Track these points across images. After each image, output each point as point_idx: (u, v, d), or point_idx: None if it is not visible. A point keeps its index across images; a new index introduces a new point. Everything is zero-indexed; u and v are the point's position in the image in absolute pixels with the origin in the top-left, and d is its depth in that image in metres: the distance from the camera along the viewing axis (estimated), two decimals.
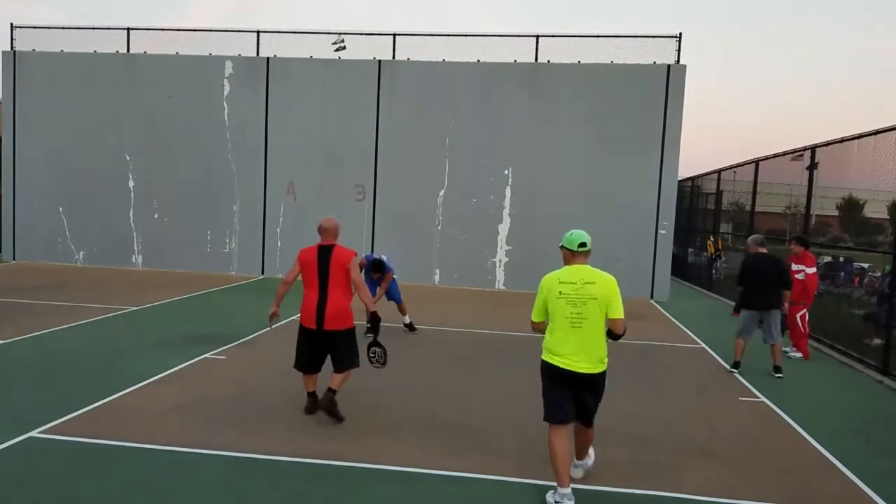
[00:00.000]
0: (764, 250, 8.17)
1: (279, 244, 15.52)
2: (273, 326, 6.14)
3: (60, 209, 15.86)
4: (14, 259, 16.08)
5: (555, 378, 4.28)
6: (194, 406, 5.91)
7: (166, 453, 4.82)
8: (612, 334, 4.30)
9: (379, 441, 5.25)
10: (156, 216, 15.73)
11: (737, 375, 7.89)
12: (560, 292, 4.23)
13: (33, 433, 5.05)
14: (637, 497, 4.44)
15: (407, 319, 9.69)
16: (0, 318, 9.48)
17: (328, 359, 5.70)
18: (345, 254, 5.56)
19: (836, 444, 5.58)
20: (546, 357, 4.32)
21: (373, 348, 5.84)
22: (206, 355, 7.73)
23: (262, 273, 15.55)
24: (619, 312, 4.21)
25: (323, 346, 5.62)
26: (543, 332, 4.40)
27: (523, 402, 6.17)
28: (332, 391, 5.54)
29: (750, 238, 8.52)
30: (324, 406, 5.54)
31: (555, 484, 4.25)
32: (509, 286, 14.72)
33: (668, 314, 12.48)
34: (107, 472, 4.52)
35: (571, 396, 4.30)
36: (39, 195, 15.83)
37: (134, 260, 15.79)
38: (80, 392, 5.78)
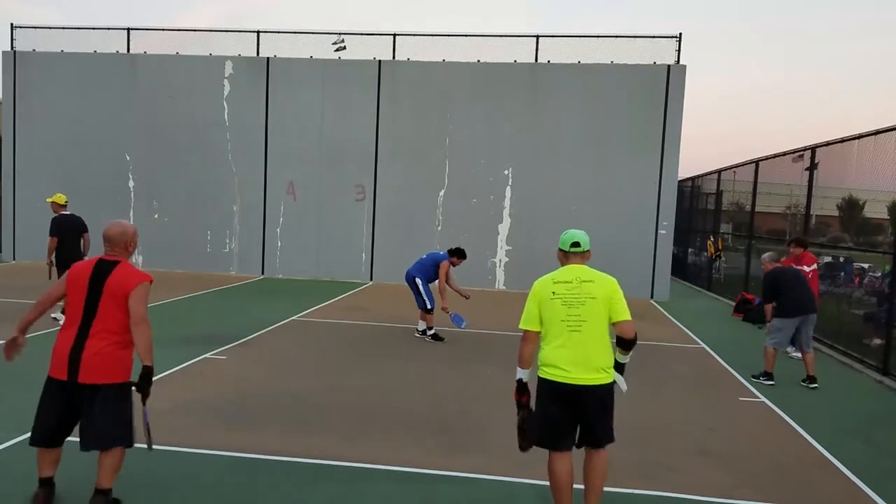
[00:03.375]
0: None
1: (279, 244, 15.52)
2: (12, 360, 4.27)
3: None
4: (14, 259, 16.09)
5: (553, 395, 3.69)
6: (194, 406, 5.90)
7: (166, 453, 4.82)
8: (623, 341, 3.77)
9: (379, 441, 5.25)
10: (156, 216, 15.74)
11: (736, 375, 7.89)
12: (553, 293, 3.73)
13: None
14: (637, 497, 4.43)
15: (422, 326, 9.39)
16: (0, 318, 9.48)
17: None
18: (131, 277, 3.86)
19: (836, 444, 5.58)
20: (542, 373, 3.75)
21: (146, 417, 3.99)
22: (206, 355, 7.73)
23: (262, 273, 15.56)
24: (625, 314, 3.72)
25: (75, 406, 3.81)
26: (526, 358, 3.80)
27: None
28: (102, 493, 3.81)
29: (767, 256, 8.25)
30: None
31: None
32: (509, 286, 14.72)
33: (668, 314, 12.48)
34: None
35: (572, 417, 3.71)
36: (39, 195, 15.79)
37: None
38: None
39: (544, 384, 3.75)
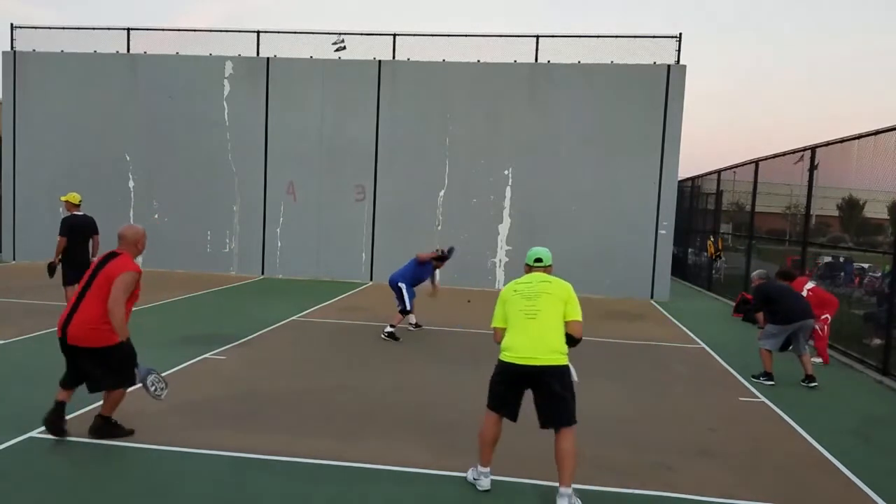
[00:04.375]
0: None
1: (279, 244, 15.52)
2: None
3: (61, 209, 15.78)
4: (14, 259, 16.09)
5: (507, 374, 4.27)
6: (194, 406, 5.90)
7: (166, 453, 4.82)
8: (572, 339, 4.32)
9: (379, 441, 5.25)
10: (156, 216, 15.74)
11: (736, 375, 7.89)
12: (515, 290, 4.41)
13: (33, 433, 5.04)
14: (637, 497, 4.44)
15: (412, 319, 9.86)
16: (0, 318, 9.48)
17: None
18: (121, 265, 4.82)
19: (836, 444, 5.58)
20: (502, 356, 4.31)
21: (149, 378, 4.88)
22: (206, 355, 7.73)
23: (262, 273, 15.56)
24: (577, 315, 4.32)
25: (75, 360, 4.87)
26: (500, 338, 4.42)
27: (523, 402, 6.16)
28: (101, 417, 4.98)
29: (756, 274, 8.58)
30: (91, 433, 4.94)
31: (556, 484, 4.24)
32: None
33: (668, 314, 12.48)
34: (107, 472, 4.52)
35: (514, 395, 4.32)
36: (39, 195, 15.82)
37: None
38: (80, 392, 5.77)
39: (500, 364, 4.35)
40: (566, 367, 4.22)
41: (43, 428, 5.03)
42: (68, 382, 4.97)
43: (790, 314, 7.68)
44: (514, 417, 4.36)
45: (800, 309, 7.74)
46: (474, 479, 4.47)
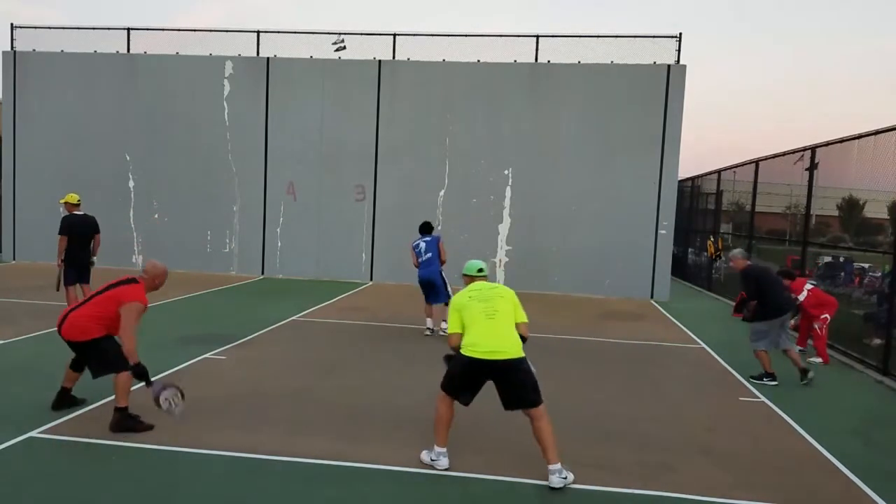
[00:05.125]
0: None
1: (279, 244, 15.53)
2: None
3: (61, 209, 15.81)
4: (14, 259, 16.09)
5: (472, 368, 4.59)
6: (194, 406, 5.90)
7: (166, 453, 4.82)
8: (521, 339, 4.75)
9: (379, 441, 5.25)
10: (156, 216, 15.74)
11: (736, 375, 7.89)
12: (470, 297, 4.81)
13: (33, 433, 5.05)
14: (637, 497, 4.44)
15: (429, 323, 9.61)
16: (0, 318, 9.48)
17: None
18: (132, 293, 5.25)
19: (836, 444, 5.58)
20: (465, 350, 4.61)
21: (163, 394, 5.10)
22: (206, 355, 7.73)
23: (262, 273, 15.56)
24: (524, 317, 4.85)
25: (74, 350, 5.41)
26: (457, 341, 4.71)
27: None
28: (117, 409, 5.19)
29: (738, 252, 8.15)
30: (111, 428, 5.14)
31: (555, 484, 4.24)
32: (509, 286, 14.61)
33: (668, 314, 12.48)
34: (107, 472, 4.52)
35: (471, 385, 4.69)
36: (39, 195, 15.82)
37: (134, 260, 15.78)
38: (80, 392, 5.78)
39: (466, 360, 4.63)
40: (525, 358, 4.66)
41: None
42: (73, 365, 5.54)
43: (779, 305, 7.58)
44: (467, 404, 4.77)
45: (785, 299, 7.70)
46: (432, 460, 4.72)
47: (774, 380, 7.54)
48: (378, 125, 15.07)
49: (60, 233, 9.22)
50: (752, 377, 7.71)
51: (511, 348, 4.60)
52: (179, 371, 7.03)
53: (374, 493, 4.36)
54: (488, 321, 4.65)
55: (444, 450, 4.72)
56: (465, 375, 4.68)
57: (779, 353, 7.77)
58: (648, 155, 14.26)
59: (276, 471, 4.61)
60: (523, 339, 4.76)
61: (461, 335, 4.72)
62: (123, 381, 5.17)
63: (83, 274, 9.37)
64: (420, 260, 9.52)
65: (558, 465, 4.46)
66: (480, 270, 5.21)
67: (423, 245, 9.56)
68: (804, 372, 7.59)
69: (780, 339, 7.65)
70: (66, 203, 9.46)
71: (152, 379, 5.21)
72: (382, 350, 8.59)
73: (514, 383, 4.58)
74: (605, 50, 14.46)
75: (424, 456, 4.80)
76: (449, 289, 9.17)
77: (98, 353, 5.26)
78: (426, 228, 9.83)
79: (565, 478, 4.45)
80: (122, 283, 5.37)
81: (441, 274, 9.41)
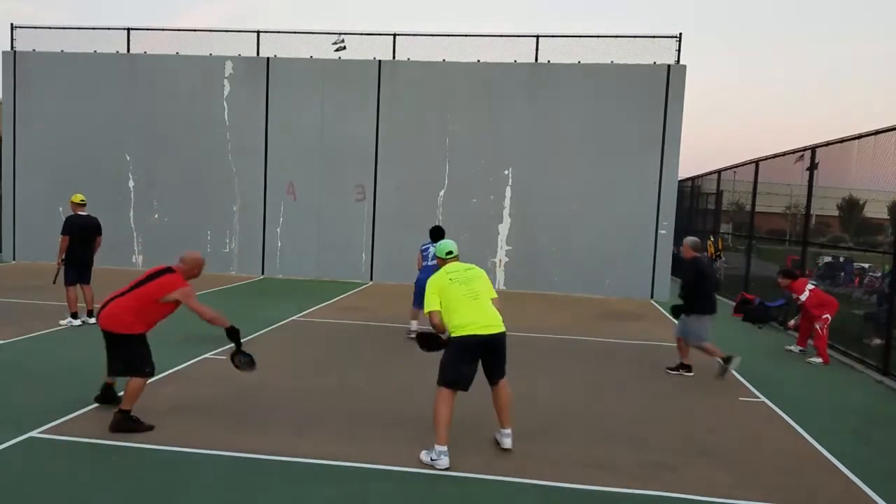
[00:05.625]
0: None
1: (279, 244, 15.52)
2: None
3: (60, 209, 15.79)
4: (14, 259, 16.09)
5: (473, 346, 4.82)
6: (194, 406, 5.91)
7: (166, 453, 4.82)
8: None
9: (379, 441, 5.26)
10: (156, 216, 15.74)
11: (736, 375, 7.88)
12: (450, 279, 5.00)
13: (33, 433, 5.05)
14: (637, 497, 4.43)
15: (414, 325, 9.42)
16: (0, 318, 9.48)
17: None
18: (173, 282, 5.36)
19: (837, 444, 5.58)
20: (457, 333, 4.83)
21: (237, 357, 5.57)
22: (206, 355, 7.72)
23: (262, 273, 15.56)
24: (494, 293, 5.16)
25: (107, 346, 5.38)
26: (440, 325, 4.93)
27: (522, 402, 6.16)
28: (119, 411, 5.19)
29: (690, 240, 7.86)
30: (111, 428, 5.13)
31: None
32: (509, 286, 14.71)
33: (668, 314, 12.45)
34: (107, 472, 4.52)
35: (476, 367, 4.91)
36: (39, 195, 15.82)
37: (134, 260, 15.79)
38: (80, 392, 5.78)
39: (459, 341, 4.84)
40: (505, 334, 5.02)
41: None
42: (108, 370, 5.55)
43: (712, 302, 7.58)
44: (468, 388, 4.92)
45: (714, 302, 7.68)
46: (433, 459, 4.75)
47: (690, 371, 7.73)
48: (378, 125, 15.06)
49: (63, 232, 9.22)
50: (668, 368, 7.87)
51: (500, 323, 4.96)
52: (179, 371, 7.03)
53: (373, 493, 4.36)
54: (473, 302, 4.92)
55: (445, 448, 4.75)
56: (467, 356, 4.85)
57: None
58: (648, 155, 14.25)
59: (275, 471, 4.61)
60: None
61: (440, 313, 4.93)
62: (137, 386, 5.21)
63: (83, 274, 9.37)
64: (424, 264, 9.52)
65: (510, 430, 5.08)
66: (450, 253, 5.30)
67: (432, 251, 9.54)
68: (686, 367, 7.76)
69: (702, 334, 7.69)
70: (71, 202, 9.46)
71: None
72: (382, 350, 8.59)
73: (501, 355, 4.98)
74: (605, 50, 14.46)
75: (424, 456, 4.81)
76: None
77: (127, 352, 5.26)
78: (437, 234, 9.77)
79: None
80: (160, 273, 5.41)
81: None
